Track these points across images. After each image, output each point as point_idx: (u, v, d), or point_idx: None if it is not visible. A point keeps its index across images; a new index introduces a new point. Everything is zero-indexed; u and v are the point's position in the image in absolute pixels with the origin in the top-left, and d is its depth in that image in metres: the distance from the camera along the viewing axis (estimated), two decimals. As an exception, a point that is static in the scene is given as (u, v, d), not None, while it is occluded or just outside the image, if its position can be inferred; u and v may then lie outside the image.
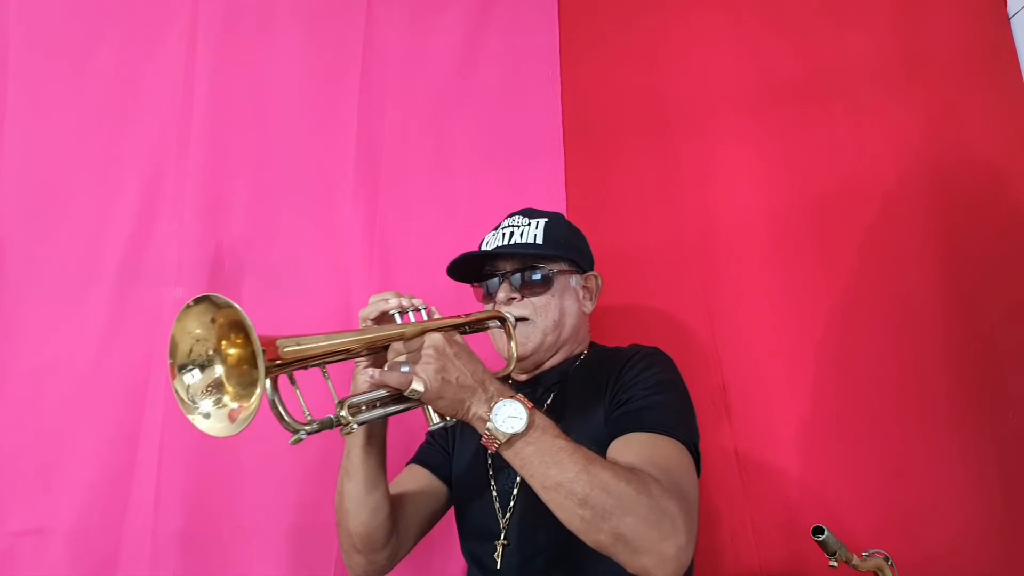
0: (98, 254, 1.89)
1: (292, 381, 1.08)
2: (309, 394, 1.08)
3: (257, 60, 2.08)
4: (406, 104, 2.16)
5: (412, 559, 1.75)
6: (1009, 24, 1.74)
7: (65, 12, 1.98)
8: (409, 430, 1.72)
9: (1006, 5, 1.75)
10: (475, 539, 1.47)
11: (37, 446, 1.77)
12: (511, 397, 1.16)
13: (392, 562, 1.46)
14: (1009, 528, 1.56)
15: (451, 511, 1.59)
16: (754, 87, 1.98)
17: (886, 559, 1.20)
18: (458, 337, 1.23)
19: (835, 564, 1.16)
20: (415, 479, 1.55)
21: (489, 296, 1.55)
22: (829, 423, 1.74)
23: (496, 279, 1.54)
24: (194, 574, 1.75)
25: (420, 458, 1.61)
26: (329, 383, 1.12)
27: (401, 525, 1.43)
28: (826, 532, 1.14)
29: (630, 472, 1.13)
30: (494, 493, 1.44)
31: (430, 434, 1.65)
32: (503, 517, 1.41)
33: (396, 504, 1.42)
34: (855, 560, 1.18)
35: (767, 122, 1.94)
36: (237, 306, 0.95)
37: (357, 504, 1.35)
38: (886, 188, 1.78)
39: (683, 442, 1.27)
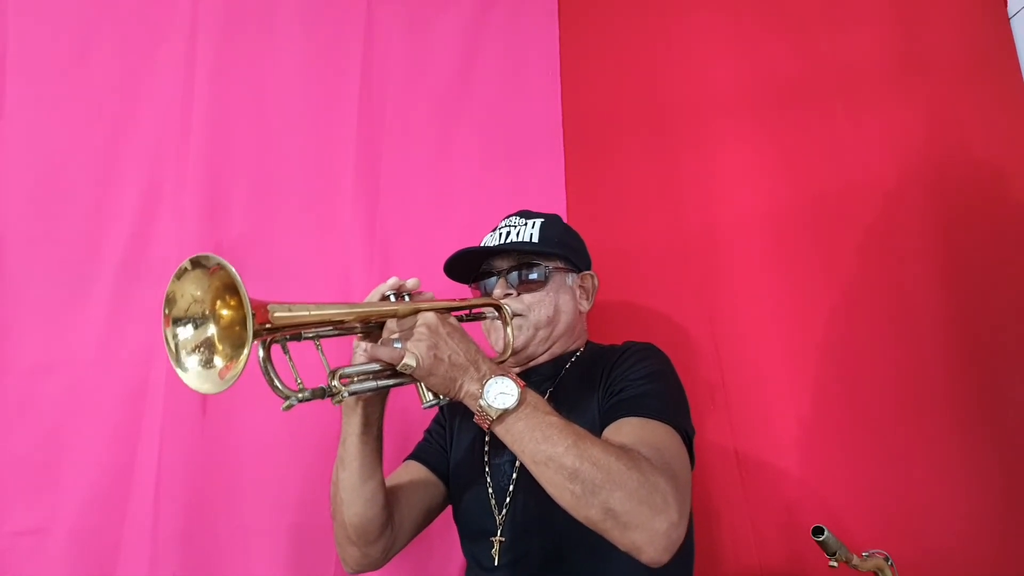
0: (98, 253, 1.89)
1: (285, 351, 1.09)
2: (307, 373, 1.10)
3: (257, 60, 2.08)
4: (406, 104, 2.16)
5: (411, 559, 1.75)
6: (1009, 24, 1.74)
7: (64, 11, 1.98)
8: (406, 427, 1.72)
9: (1006, 5, 1.75)
10: (472, 537, 1.47)
11: (37, 446, 1.76)
12: (503, 374, 1.17)
13: (386, 556, 1.46)
14: (1009, 528, 1.55)
15: (448, 510, 1.59)
16: (754, 87, 1.97)
17: (886, 559, 1.20)
18: (452, 319, 1.24)
19: (835, 564, 1.16)
20: (411, 474, 1.55)
21: (487, 296, 1.57)
22: (829, 423, 1.74)
23: (493, 278, 1.56)
24: (194, 574, 1.74)
25: (417, 455, 1.61)
26: (322, 354, 1.14)
27: (396, 519, 1.44)
28: (826, 532, 1.14)
29: (620, 449, 1.13)
30: (490, 490, 1.45)
31: (428, 432, 1.66)
32: (499, 514, 1.41)
33: (391, 497, 1.42)
34: (855, 560, 1.18)
35: (767, 122, 1.94)
36: (231, 268, 0.97)
37: (352, 493, 1.35)
38: (886, 188, 1.77)
39: (673, 427, 1.27)
